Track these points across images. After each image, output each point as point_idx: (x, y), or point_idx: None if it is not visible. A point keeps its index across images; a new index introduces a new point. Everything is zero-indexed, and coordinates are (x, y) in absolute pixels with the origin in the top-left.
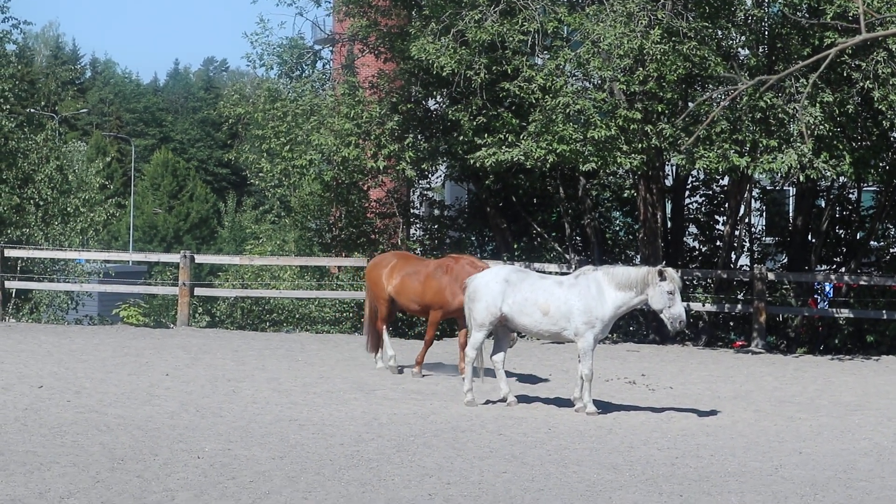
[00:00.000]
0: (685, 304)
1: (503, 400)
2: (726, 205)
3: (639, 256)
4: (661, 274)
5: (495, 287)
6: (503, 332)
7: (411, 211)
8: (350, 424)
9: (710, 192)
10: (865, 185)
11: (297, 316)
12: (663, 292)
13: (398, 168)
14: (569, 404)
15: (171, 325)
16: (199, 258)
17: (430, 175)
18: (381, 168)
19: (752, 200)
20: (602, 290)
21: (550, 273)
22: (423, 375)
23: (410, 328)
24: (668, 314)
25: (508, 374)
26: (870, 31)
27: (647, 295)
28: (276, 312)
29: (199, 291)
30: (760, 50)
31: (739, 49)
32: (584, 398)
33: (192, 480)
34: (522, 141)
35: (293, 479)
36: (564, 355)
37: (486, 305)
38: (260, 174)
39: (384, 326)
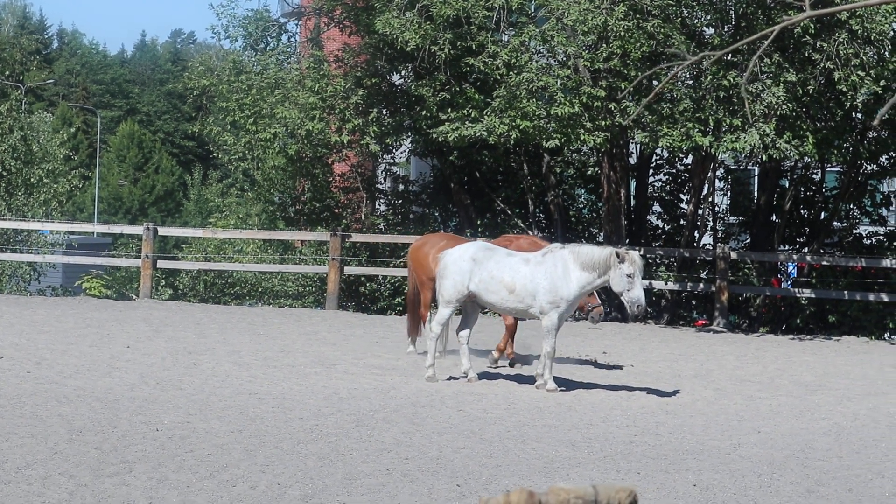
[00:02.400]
0: (647, 283)
1: (464, 375)
2: (690, 184)
3: (602, 234)
4: (619, 256)
5: (463, 265)
6: (472, 308)
7: (376, 186)
8: (310, 399)
9: (674, 171)
10: (829, 165)
11: (260, 289)
12: (622, 275)
13: (362, 142)
14: (529, 381)
15: (134, 298)
16: (163, 231)
17: (394, 150)
18: (345, 142)
19: (716, 180)
20: (567, 269)
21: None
22: (514, 364)
23: (373, 303)
24: (627, 297)
25: (473, 352)
26: (814, 10)
27: (608, 276)
28: (239, 286)
29: (161, 264)
30: (726, 29)
31: (704, 28)
32: (544, 375)
33: (150, 453)
34: (486, 117)
35: (251, 452)
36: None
37: (454, 283)
38: (224, 147)
39: (428, 314)
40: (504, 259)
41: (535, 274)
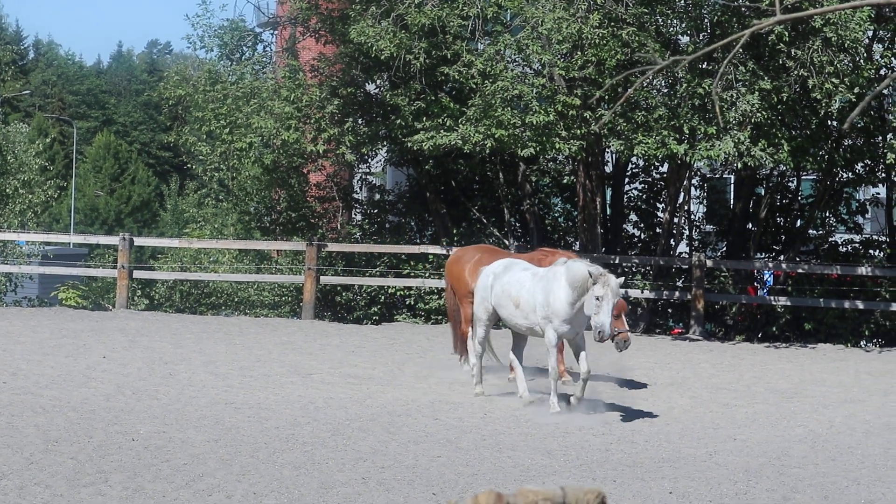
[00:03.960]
0: (623, 291)
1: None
2: (665, 192)
3: (577, 243)
4: (592, 276)
5: (485, 280)
6: (514, 332)
7: (352, 195)
8: (286, 408)
9: (650, 180)
10: (804, 173)
11: (236, 299)
12: (592, 296)
13: (338, 152)
14: (506, 390)
15: (110, 308)
16: (139, 241)
17: (370, 159)
18: (320, 152)
19: (692, 188)
20: (560, 284)
21: None
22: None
23: (349, 312)
24: (592, 321)
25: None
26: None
27: (587, 298)
28: (215, 296)
29: (138, 274)
30: (700, 37)
31: (679, 36)
32: (552, 398)
33: (126, 463)
34: (461, 125)
35: (227, 461)
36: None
37: (480, 300)
38: (200, 157)
39: (469, 329)
40: (517, 273)
41: (535, 288)
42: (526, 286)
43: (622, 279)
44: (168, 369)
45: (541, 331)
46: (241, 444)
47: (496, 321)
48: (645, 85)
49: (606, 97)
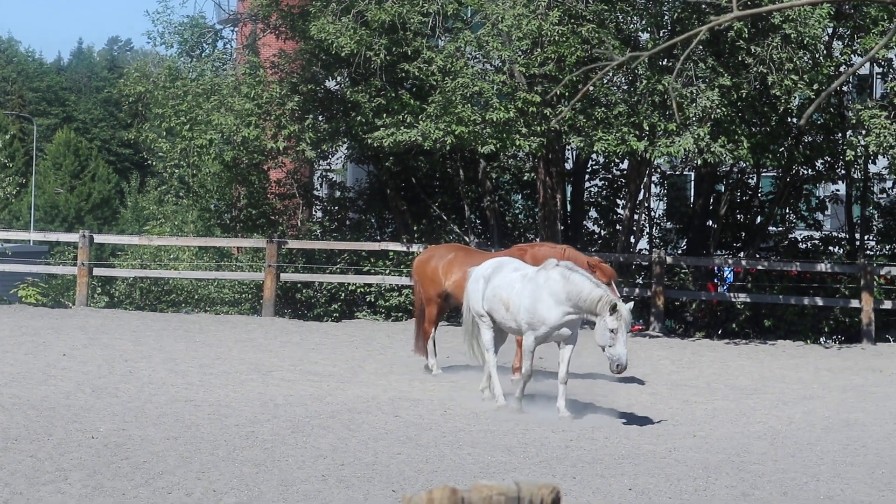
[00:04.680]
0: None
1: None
2: (626, 189)
3: (538, 239)
4: (613, 307)
5: (476, 283)
6: (497, 329)
7: (312, 192)
8: (246, 405)
9: (610, 176)
10: (764, 170)
11: (196, 297)
12: (606, 328)
13: (298, 149)
14: (466, 387)
15: (70, 306)
16: (99, 238)
17: (330, 156)
18: (280, 149)
19: (652, 185)
20: (553, 292)
21: None
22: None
23: (310, 309)
24: (608, 353)
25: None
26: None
27: (591, 319)
28: (175, 293)
29: (98, 271)
30: (661, 34)
31: (640, 33)
32: (515, 393)
33: (85, 460)
34: (421, 122)
35: (187, 459)
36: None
37: (472, 304)
38: (160, 154)
39: (432, 330)
40: (508, 274)
41: (523, 290)
42: (515, 288)
43: (631, 304)
44: (128, 367)
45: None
46: (200, 442)
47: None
48: (605, 82)
49: (567, 94)
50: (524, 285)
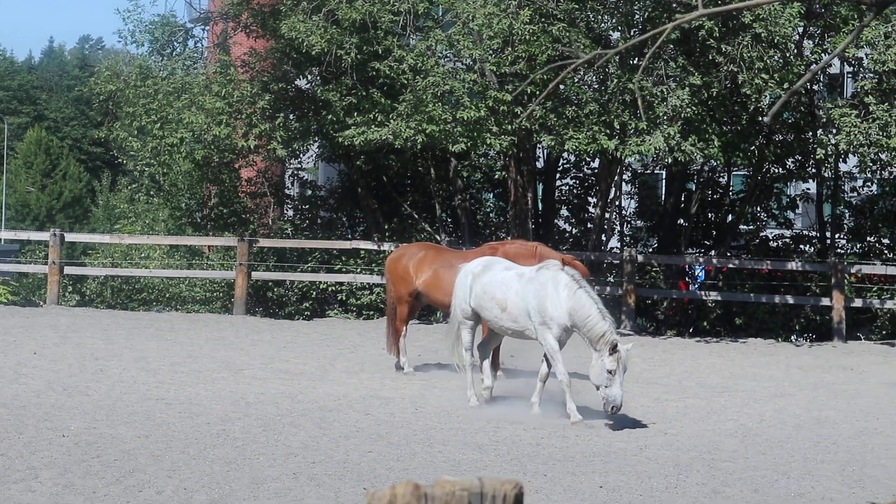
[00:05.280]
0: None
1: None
2: (597, 187)
3: (509, 237)
4: (613, 348)
5: (463, 280)
6: (490, 330)
7: (283, 191)
8: (217, 404)
9: (581, 175)
10: (735, 168)
11: (168, 295)
12: (603, 367)
13: (269, 147)
14: (438, 385)
15: (41, 304)
16: (70, 237)
17: (301, 155)
18: (251, 147)
19: (623, 183)
20: (559, 296)
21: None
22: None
23: (281, 308)
24: (604, 394)
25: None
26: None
27: (589, 344)
28: (147, 292)
29: (69, 270)
30: (632, 33)
31: (610, 32)
32: (567, 405)
33: (56, 459)
34: (392, 121)
35: (158, 457)
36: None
37: (458, 302)
38: (131, 153)
39: (404, 328)
40: (499, 273)
41: (525, 291)
42: (513, 288)
43: (631, 345)
44: (99, 365)
45: (534, 335)
46: (171, 440)
47: (477, 322)
48: (575, 80)
49: (537, 92)
50: (525, 286)
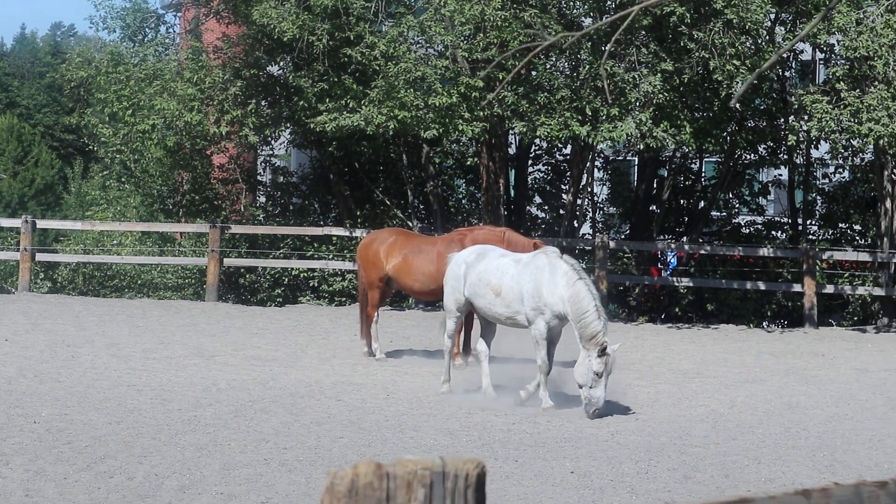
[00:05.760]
0: None
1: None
2: (569, 174)
3: (481, 224)
4: (602, 350)
5: (456, 270)
6: (486, 320)
7: (255, 177)
8: (188, 390)
9: (553, 161)
10: (707, 155)
11: (140, 282)
12: (590, 369)
13: (241, 134)
14: (409, 371)
15: (13, 291)
16: (41, 223)
17: (273, 141)
18: (223, 134)
19: (595, 170)
20: (556, 283)
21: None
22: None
23: (253, 294)
24: (587, 394)
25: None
26: None
27: (580, 343)
28: (119, 278)
29: (40, 257)
30: (605, 19)
31: (583, 18)
32: (529, 389)
33: (27, 445)
34: (364, 107)
35: (129, 443)
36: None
37: (451, 290)
38: (103, 139)
39: (375, 314)
40: (495, 260)
41: (521, 276)
42: (509, 273)
43: (618, 346)
44: (70, 352)
45: (525, 321)
46: (143, 426)
47: (468, 312)
48: (547, 67)
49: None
50: (521, 270)
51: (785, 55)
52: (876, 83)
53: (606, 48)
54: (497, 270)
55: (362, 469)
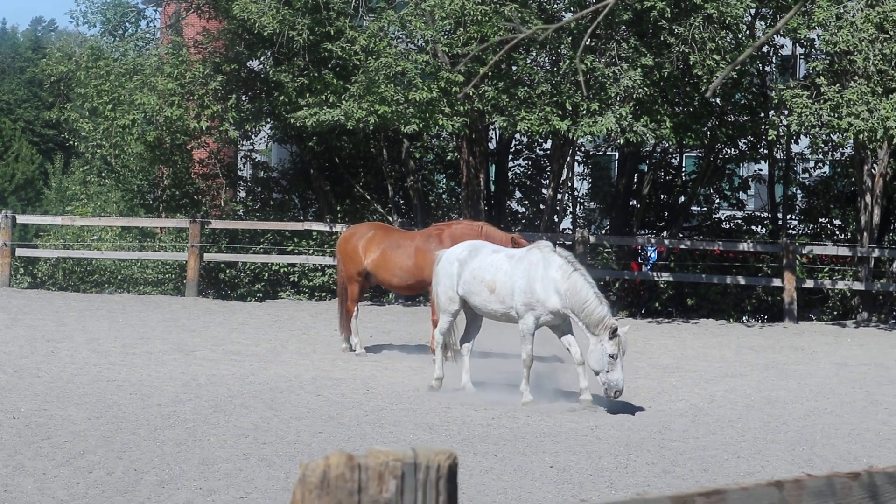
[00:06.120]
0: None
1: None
2: (549, 169)
3: (461, 219)
4: (613, 332)
5: (449, 267)
6: (472, 315)
7: (236, 172)
8: (168, 385)
9: (534, 156)
10: (688, 149)
11: (120, 277)
12: (604, 353)
13: (221, 129)
14: (390, 366)
15: None
16: (21, 218)
17: (253, 136)
18: (203, 128)
19: (576, 164)
20: (550, 278)
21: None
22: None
23: (233, 290)
24: (605, 378)
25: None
26: None
27: (585, 331)
28: (99, 273)
29: (20, 252)
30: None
31: (563, 13)
32: (521, 385)
33: (6, 440)
34: (344, 102)
35: (108, 438)
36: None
37: (444, 289)
38: (82, 134)
39: (355, 308)
40: (488, 256)
41: (514, 271)
42: (503, 269)
43: (627, 327)
44: (50, 347)
45: (517, 315)
46: (122, 422)
47: (463, 309)
48: (528, 62)
49: (489, 73)
50: (515, 265)
51: (765, 50)
52: (856, 78)
53: (583, 41)
54: (491, 267)
55: (334, 460)
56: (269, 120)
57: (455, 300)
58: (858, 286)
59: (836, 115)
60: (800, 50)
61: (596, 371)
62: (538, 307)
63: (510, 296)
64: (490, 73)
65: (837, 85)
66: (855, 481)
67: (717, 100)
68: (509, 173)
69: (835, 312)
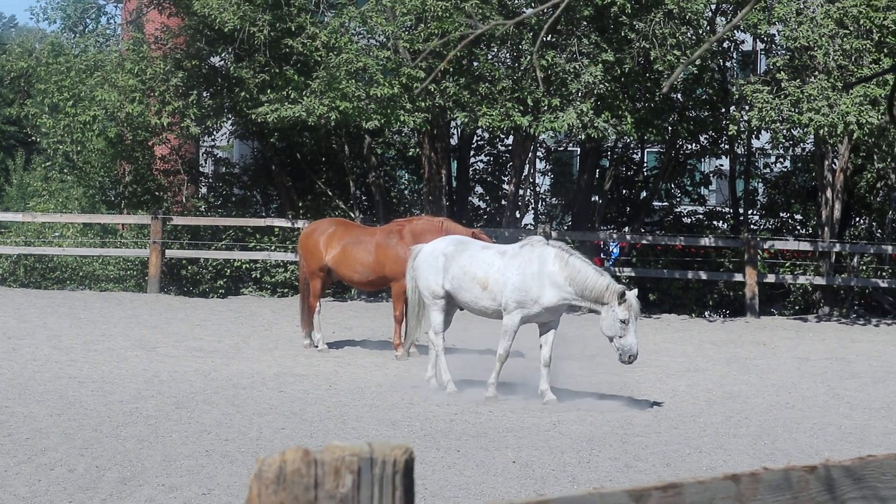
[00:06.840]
0: None
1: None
2: (511, 164)
3: (423, 214)
4: (621, 296)
5: (434, 261)
6: (450, 310)
7: (198, 169)
8: (130, 381)
9: (495, 152)
10: (649, 145)
11: (81, 274)
12: (616, 319)
13: (182, 125)
14: (352, 363)
15: None
16: None
17: (215, 132)
18: (165, 125)
19: (537, 160)
20: (546, 272)
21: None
22: (409, 356)
23: (195, 286)
24: (618, 343)
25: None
26: None
27: (594, 307)
28: (60, 270)
29: None
30: (546, 10)
31: (524, 9)
32: (489, 379)
33: None
34: (305, 98)
35: (70, 435)
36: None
37: (427, 284)
38: (44, 130)
39: (317, 304)
40: (478, 252)
41: (507, 267)
42: (496, 265)
43: (636, 290)
44: (11, 344)
45: (505, 311)
46: (84, 418)
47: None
48: (489, 57)
49: (451, 69)
50: (508, 262)
51: (726, 45)
52: (816, 73)
53: (540, 36)
54: (483, 263)
55: (290, 455)
56: (230, 116)
57: (439, 295)
58: (820, 281)
59: (797, 111)
60: (760, 45)
61: (610, 337)
62: (531, 305)
63: (502, 293)
64: (451, 69)
65: (798, 80)
66: (811, 475)
67: (678, 95)
68: (471, 169)
69: (796, 307)
